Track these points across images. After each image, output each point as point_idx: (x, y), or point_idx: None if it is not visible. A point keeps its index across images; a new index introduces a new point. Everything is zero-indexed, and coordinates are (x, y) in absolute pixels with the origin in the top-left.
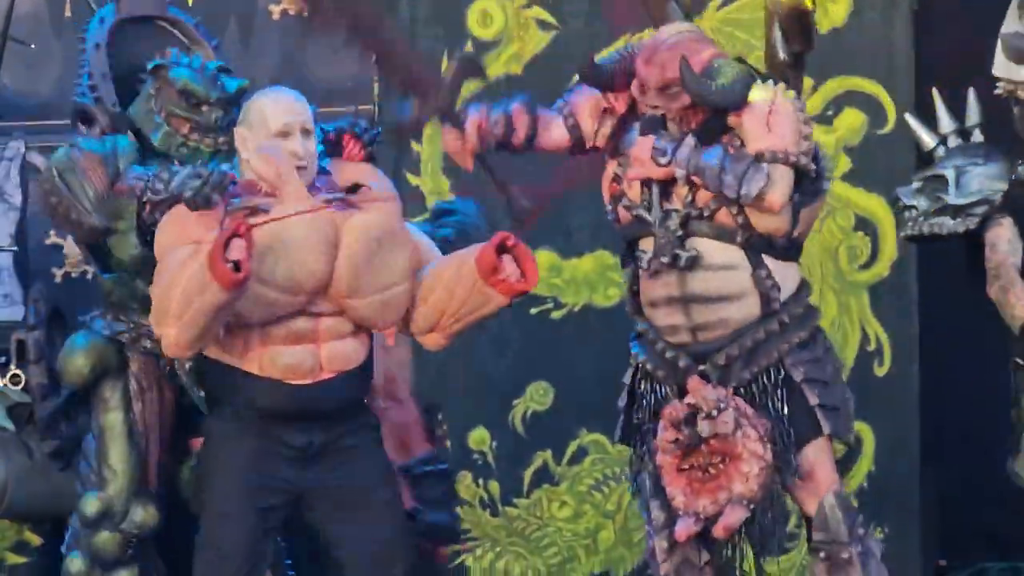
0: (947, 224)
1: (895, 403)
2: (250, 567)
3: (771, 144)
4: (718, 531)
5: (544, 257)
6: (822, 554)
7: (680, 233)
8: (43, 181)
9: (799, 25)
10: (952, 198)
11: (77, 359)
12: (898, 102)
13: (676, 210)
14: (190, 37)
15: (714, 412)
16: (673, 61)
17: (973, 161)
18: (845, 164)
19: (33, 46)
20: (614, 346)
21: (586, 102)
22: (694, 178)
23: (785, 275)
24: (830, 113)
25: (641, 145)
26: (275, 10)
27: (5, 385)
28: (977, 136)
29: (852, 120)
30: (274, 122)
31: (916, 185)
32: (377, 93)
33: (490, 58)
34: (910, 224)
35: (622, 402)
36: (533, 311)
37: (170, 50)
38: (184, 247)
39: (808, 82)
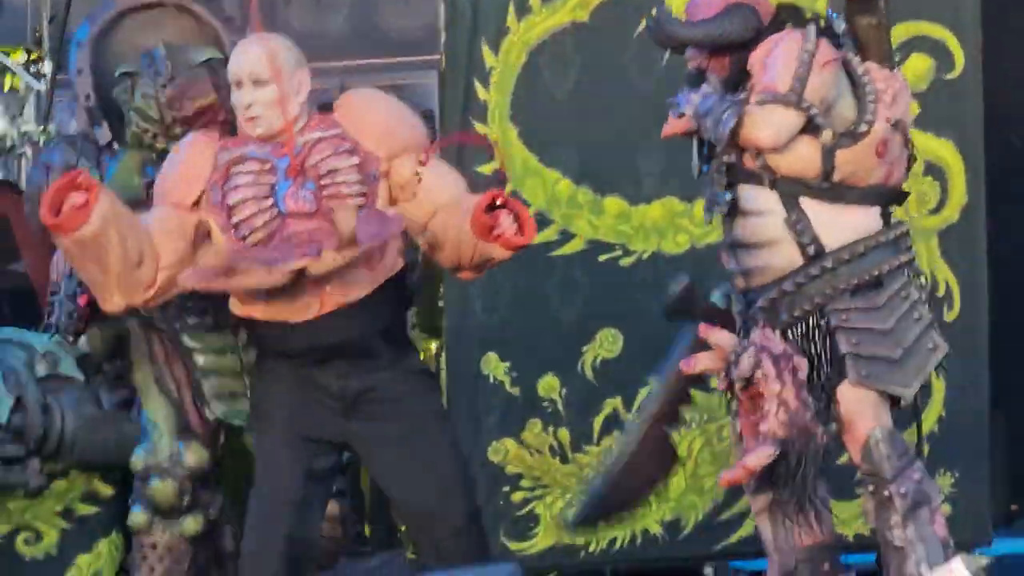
0: None
1: (964, 348)
2: (298, 516)
3: (763, 84)
4: (740, 473)
5: (613, 204)
6: (870, 487)
7: (724, 181)
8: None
9: None
10: None
11: (91, 340)
12: (966, 47)
13: (714, 162)
14: (200, 19)
15: (732, 357)
16: (693, 12)
17: None
18: (913, 109)
19: None
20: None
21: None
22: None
23: (838, 220)
24: (897, 59)
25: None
26: None
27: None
28: None
29: (919, 65)
30: (234, 72)
31: None
32: (444, 42)
33: (557, 5)
34: None
35: None
36: (602, 258)
37: (142, 57)
38: (157, 208)
39: None
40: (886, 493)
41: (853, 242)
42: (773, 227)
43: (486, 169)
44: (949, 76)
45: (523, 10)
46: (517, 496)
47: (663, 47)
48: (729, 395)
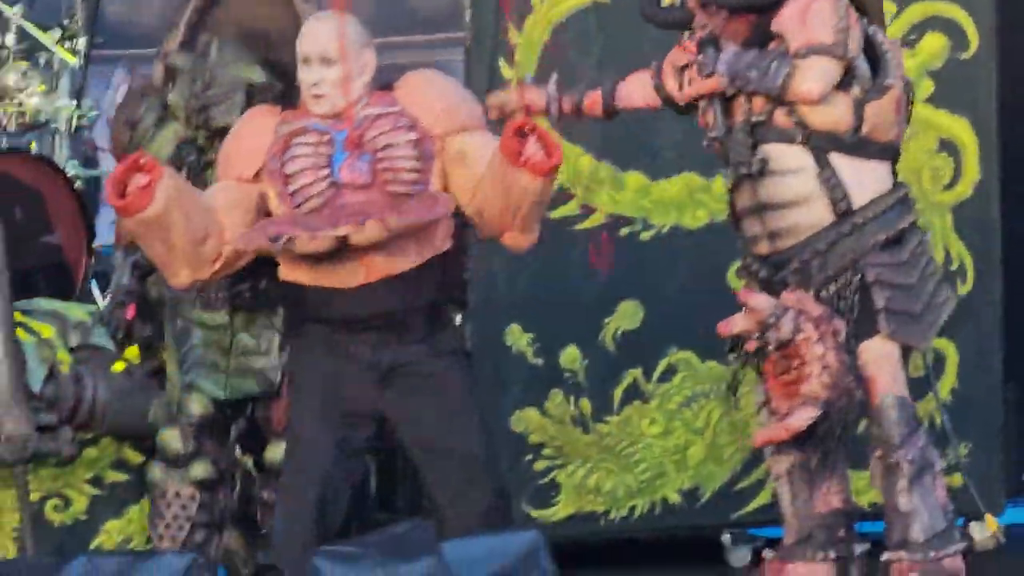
0: None
1: (978, 321)
2: (329, 489)
3: (806, 38)
4: (782, 433)
5: (632, 179)
6: (877, 452)
7: (750, 142)
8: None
9: None
10: None
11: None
12: (980, 27)
13: (739, 123)
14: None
15: (771, 320)
16: None
17: None
18: (928, 88)
19: None
20: (702, 266)
21: (667, 62)
22: (736, 84)
23: (861, 176)
24: (913, 38)
25: (692, 65)
26: None
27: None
28: None
29: (934, 44)
30: (303, 49)
31: None
32: (469, 18)
33: None
34: None
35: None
36: (623, 232)
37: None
38: (221, 182)
39: (891, 8)
40: (893, 459)
41: (878, 197)
42: (805, 184)
43: None
44: (963, 56)
45: None
46: (539, 465)
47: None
48: (755, 358)
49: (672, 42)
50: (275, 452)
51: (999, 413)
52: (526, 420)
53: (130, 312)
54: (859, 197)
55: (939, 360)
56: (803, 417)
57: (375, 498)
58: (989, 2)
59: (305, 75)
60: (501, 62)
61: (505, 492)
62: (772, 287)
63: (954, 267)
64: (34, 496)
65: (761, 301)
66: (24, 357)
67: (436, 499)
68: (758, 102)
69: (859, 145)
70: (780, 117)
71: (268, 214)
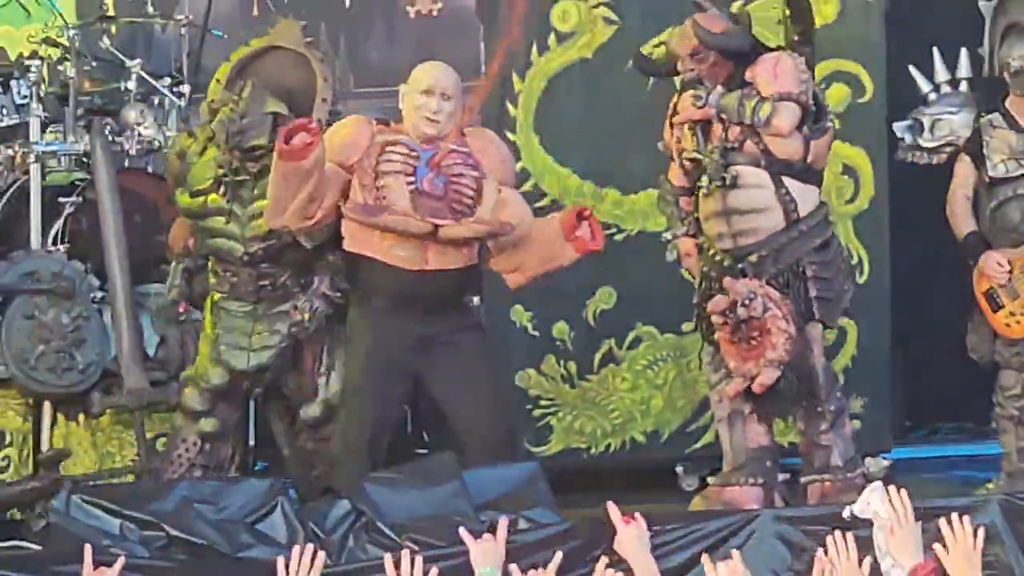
0: (923, 157)
1: (872, 303)
2: (378, 428)
3: (778, 87)
4: (756, 388)
5: (609, 194)
6: (804, 402)
7: (722, 161)
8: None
9: (799, 12)
10: (924, 140)
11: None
12: (874, 78)
13: (715, 146)
14: (325, 73)
15: (746, 301)
16: (691, 32)
17: (948, 110)
18: (834, 125)
19: (226, 36)
20: (661, 261)
21: (665, 134)
22: (722, 115)
23: (804, 195)
24: (823, 87)
25: (683, 98)
26: (411, 10)
27: None
28: (963, 87)
29: (839, 92)
30: (422, 82)
31: (908, 122)
32: (484, 72)
33: (567, 45)
34: (900, 151)
35: (695, 298)
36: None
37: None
38: (329, 164)
39: None
40: (819, 409)
41: (814, 210)
42: (765, 197)
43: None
44: (861, 100)
45: (543, 48)
46: (536, 412)
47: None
48: (712, 328)
49: (640, 90)
50: (310, 410)
51: (888, 375)
52: (527, 378)
53: (182, 307)
54: (803, 210)
55: (842, 334)
56: (770, 375)
57: (411, 436)
58: (881, 60)
59: (425, 102)
60: (508, 104)
61: (514, 432)
62: (723, 272)
63: (854, 262)
64: (149, 435)
65: (739, 286)
66: (142, 328)
67: (460, 438)
68: (734, 131)
69: (804, 171)
70: (750, 146)
71: (346, 197)
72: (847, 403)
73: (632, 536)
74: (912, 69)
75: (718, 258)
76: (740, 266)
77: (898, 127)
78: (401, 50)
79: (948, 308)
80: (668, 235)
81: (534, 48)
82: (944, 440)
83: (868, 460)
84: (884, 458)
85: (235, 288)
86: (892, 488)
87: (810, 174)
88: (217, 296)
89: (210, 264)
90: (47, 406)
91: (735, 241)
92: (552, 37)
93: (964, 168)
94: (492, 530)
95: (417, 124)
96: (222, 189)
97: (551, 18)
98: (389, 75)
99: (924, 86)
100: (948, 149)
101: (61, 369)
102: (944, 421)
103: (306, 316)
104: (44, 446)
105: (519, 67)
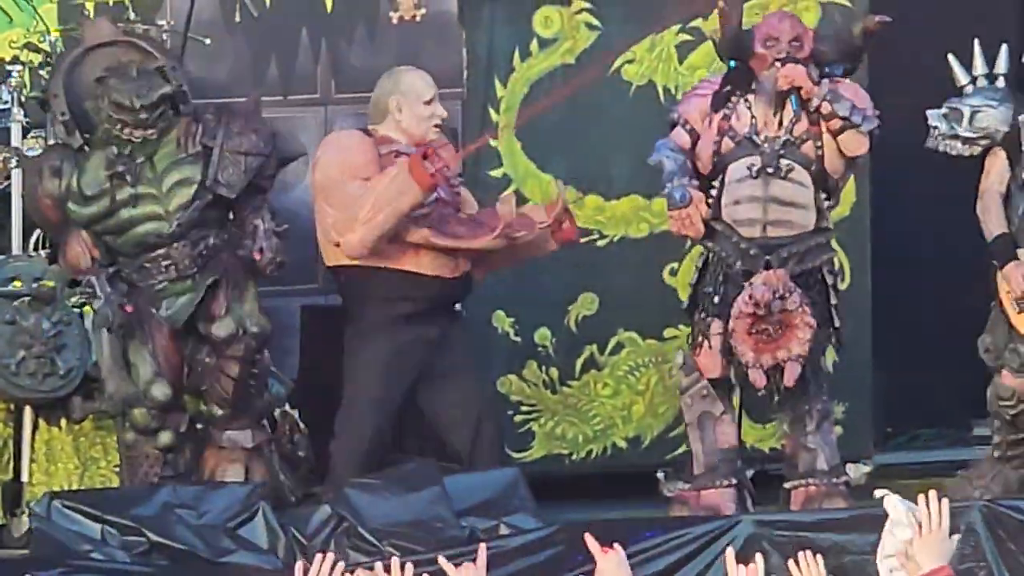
0: (957, 147)
1: (854, 308)
2: (385, 439)
3: (869, 108)
4: (788, 382)
5: (591, 200)
6: (791, 404)
7: (781, 152)
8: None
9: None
10: (963, 130)
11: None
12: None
13: (777, 136)
14: (144, 50)
15: (786, 294)
16: (798, 21)
17: (988, 103)
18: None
19: (208, 42)
20: (643, 267)
21: (695, 109)
22: (827, 104)
23: (826, 205)
24: None
25: (797, 68)
26: (394, 16)
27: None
28: (1000, 82)
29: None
30: (425, 93)
31: (944, 111)
32: (466, 78)
33: (551, 51)
34: (931, 140)
35: (693, 279)
36: (583, 240)
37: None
38: (355, 182)
39: None
40: (807, 408)
41: (832, 227)
42: (806, 195)
43: (496, 173)
44: None
45: (525, 54)
46: (518, 418)
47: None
48: (709, 313)
49: (622, 96)
50: (222, 325)
51: (869, 381)
52: (508, 383)
53: (129, 308)
54: (827, 219)
55: None
56: (796, 369)
57: (392, 442)
58: (863, 80)
59: (429, 111)
60: (490, 111)
61: (500, 435)
62: (747, 261)
63: (836, 267)
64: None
65: (781, 278)
66: None
67: (447, 436)
68: (800, 127)
69: (833, 189)
70: (808, 147)
71: None
72: (831, 406)
73: (612, 565)
74: (951, 59)
75: (743, 246)
76: (767, 258)
77: (932, 114)
78: (383, 56)
79: (929, 314)
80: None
81: (516, 53)
82: (925, 446)
83: (849, 466)
84: (864, 463)
85: (173, 268)
86: (932, 492)
87: (833, 190)
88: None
89: (134, 263)
90: (28, 411)
91: (764, 231)
92: (534, 43)
93: (999, 164)
94: (472, 537)
95: (427, 133)
96: (127, 178)
97: (533, 23)
98: (371, 81)
99: (962, 78)
100: (984, 142)
101: (42, 374)
102: (925, 427)
103: (275, 256)
104: (26, 452)
105: (501, 72)
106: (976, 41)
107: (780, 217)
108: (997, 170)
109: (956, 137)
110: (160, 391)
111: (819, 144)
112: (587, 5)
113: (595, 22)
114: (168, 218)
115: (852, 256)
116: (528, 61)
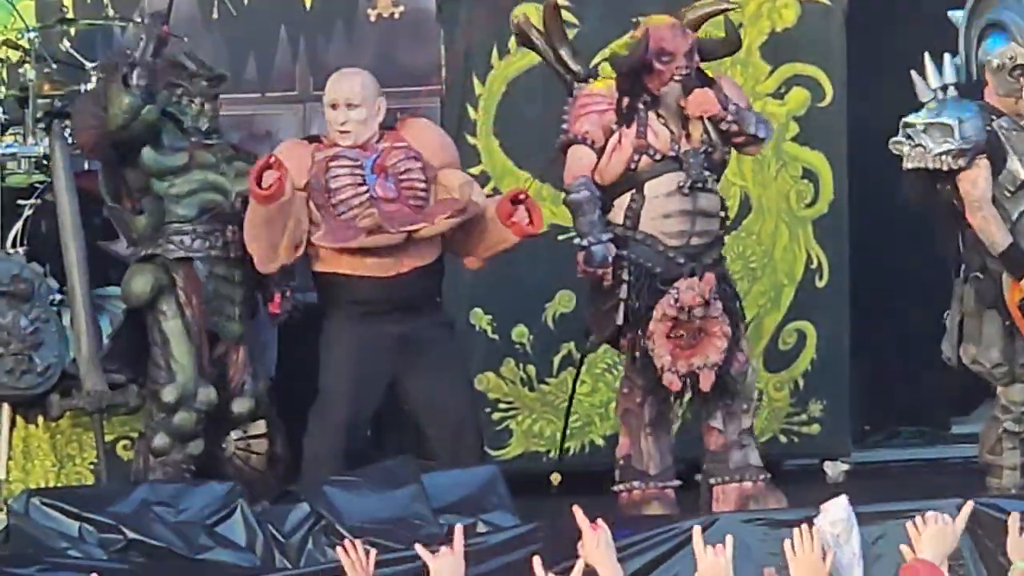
0: (947, 161)
1: (832, 308)
2: (352, 434)
3: (746, 103)
4: (703, 388)
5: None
6: (727, 402)
7: (705, 165)
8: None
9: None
10: (956, 143)
11: (137, 282)
12: (834, 82)
13: (696, 149)
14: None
15: (711, 301)
16: (690, 34)
17: (963, 114)
18: (794, 129)
19: (187, 39)
20: None
21: (596, 126)
22: (735, 121)
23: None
24: (783, 91)
25: (702, 92)
26: (372, 13)
27: None
28: (952, 92)
29: (799, 96)
30: (328, 96)
31: (921, 128)
32: (445, 76)
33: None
34: (917, 158)
35: (622, 293)
36: (561, 238)
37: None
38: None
39: (766, 68)
40: (744, 407)
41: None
42: (718, 202)
43: (475, 171)
44: (821, 104)
45: (504, 52)
46: (496, 416)
47: None
48: (640, 325)
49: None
50: (243, 404)
51: (847, 379)
52: (486, 381)
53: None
54: (725, 224)
55: (802, 338)
56: (710, 378)
57: (371, 439)
58: (841, 63)
59: (333, 116)
60: (469, 108)
61: (480, 432)
62: (672, 269)
63: (814, 266)
64: (108, 437)
65: (708, 284)
66: (101, 331)
67: (429, 433)
68: (711, 136)
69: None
70: (718, 154)
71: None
72: (756, 405)
73: (599, 541)
74: (914, 74)
75: (670, 254)
76: (692, 265)
77: (910, 132)
78: (362, 53)
79: (908, 312)
80: (588, 240)
81: (495, 51)
82: (904, 444)
83: (827, 464)
84: (843, 462)
85: (228, 247)
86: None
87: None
88: (207, 259)
89: (186, 228)
90: (6, 408)
91: (689, 240)
92: (512, 40)
93: (985, 173)
94: (451, 533)
95: (333, 138)
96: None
97: (512, 21)
98: None
99: (924, 94)
100: (971, 152)
101: (20, 372)
102: (904, 425)
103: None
104: (3, 449)
105: (479, 70)
106: (927, 55)
107: (705, 227)
108: (985, 178)
109: (948, 152)
110: (206, 393)
111: (727, 151)
112: (565, 2)
113: (573, 20)
114: (229, 196)
115: (830, 254)
116: (507, 59)
